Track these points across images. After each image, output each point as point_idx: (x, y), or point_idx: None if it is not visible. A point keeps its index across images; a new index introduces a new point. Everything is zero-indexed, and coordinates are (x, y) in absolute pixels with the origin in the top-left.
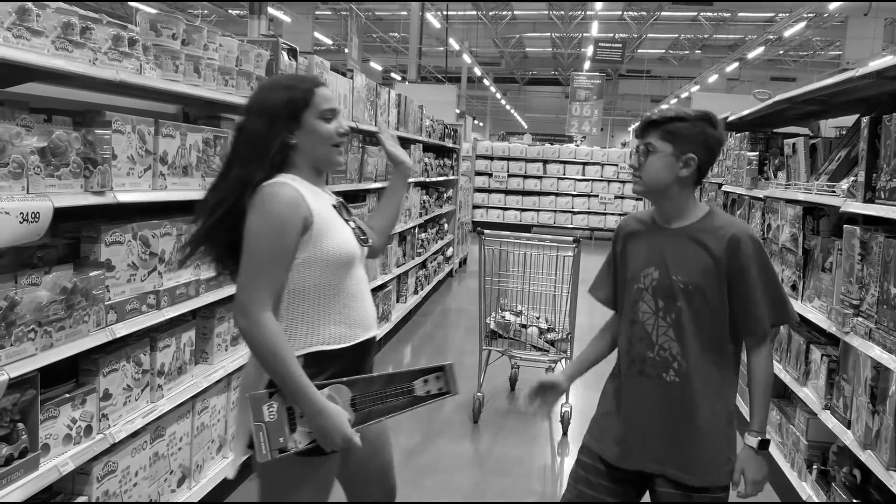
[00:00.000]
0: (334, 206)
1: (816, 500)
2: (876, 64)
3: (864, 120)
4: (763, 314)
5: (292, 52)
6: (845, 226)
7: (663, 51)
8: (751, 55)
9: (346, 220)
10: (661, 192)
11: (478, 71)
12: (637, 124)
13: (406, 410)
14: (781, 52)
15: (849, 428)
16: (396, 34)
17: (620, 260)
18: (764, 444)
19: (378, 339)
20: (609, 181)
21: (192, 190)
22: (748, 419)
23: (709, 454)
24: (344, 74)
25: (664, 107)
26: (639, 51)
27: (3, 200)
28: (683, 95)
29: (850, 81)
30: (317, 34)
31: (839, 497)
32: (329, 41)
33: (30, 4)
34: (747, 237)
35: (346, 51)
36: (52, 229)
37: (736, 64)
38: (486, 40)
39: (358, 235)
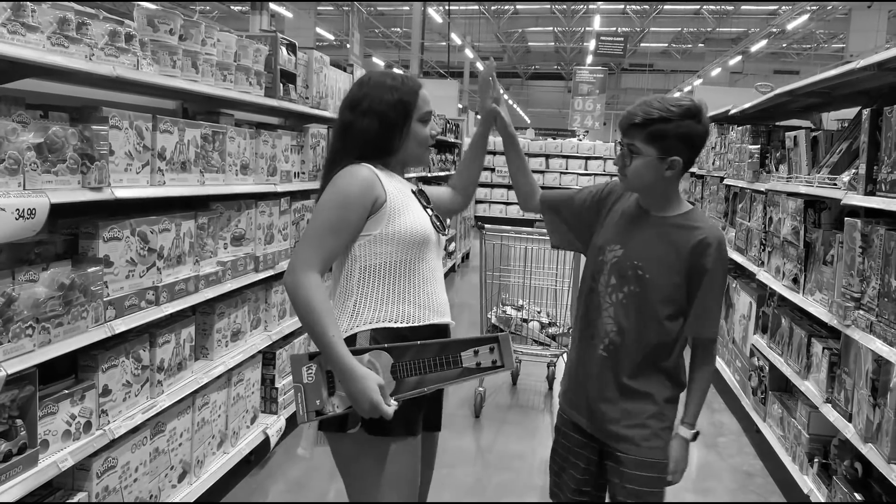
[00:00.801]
0: (413, 192)
1: (818, 493)
2: (877, 56)
3: (865, 112)
4: (697, 322)
5: (291, 48)
6: (846, 218)
7: (666, 44)
8: (754, 48)
9: (425, 207)
10: (646, 190)
11: (480, 66)
12: (621, 118)
13: (454, 382)
14: (785, 45)
15: (850, 421)
16: (399, 29)
17: (593, 214)
18: (695, 436)
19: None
20: (612, 176)
21: (190, 185)
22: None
23: (636, 432)
24: (344, 69)
25: (647, 99)
26: (641, 45)
27: None
28: (686, 89)
29: (851, 73)
30: (319, 30)
31: (840, 490)
32: (331, 36)
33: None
34: (717, 245)
35: (348, 46)
36: (50, 225)
37: (739, 57)
38: (488, 35)
39: (435, 223)
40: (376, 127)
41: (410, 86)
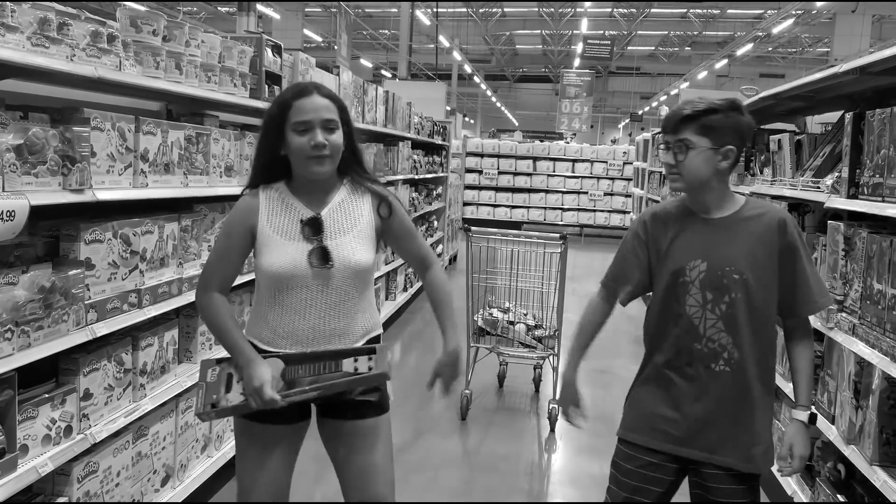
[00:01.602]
0: (303, 222)
1: (801, 495)
2: (860, 60)
3: (848, 116)
4: (813, 296)
5: (276, 49)
6: (829, 221)
7: (653, 48)
8: (739, 52)
9: (309, 238)
10: (703, 186)
11: (468, 68)
12: (665, 120)
13: (337, 386)
14: (770, 48)
15: (833, 423)
16: (386, 31)
17: (655, 254)
18: (813, 418)
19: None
20: (598, 178)
21: (173, 188)
22: (793, 398)
23: (760, 441)
24: (330, 71)
25: (686, 100)
26: (628, 48)
27: None
28: (673, 92)
29: (834, 77)
30: (306, 31)
31: (823, 492)
32: (319, 38)
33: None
34: (791, 220)
35: (336, 48)
36: (30, 228)
37: (725, 61)
38: (476, 37)
39: (312, 260)
40: (259, 140)
41: (285, 97)
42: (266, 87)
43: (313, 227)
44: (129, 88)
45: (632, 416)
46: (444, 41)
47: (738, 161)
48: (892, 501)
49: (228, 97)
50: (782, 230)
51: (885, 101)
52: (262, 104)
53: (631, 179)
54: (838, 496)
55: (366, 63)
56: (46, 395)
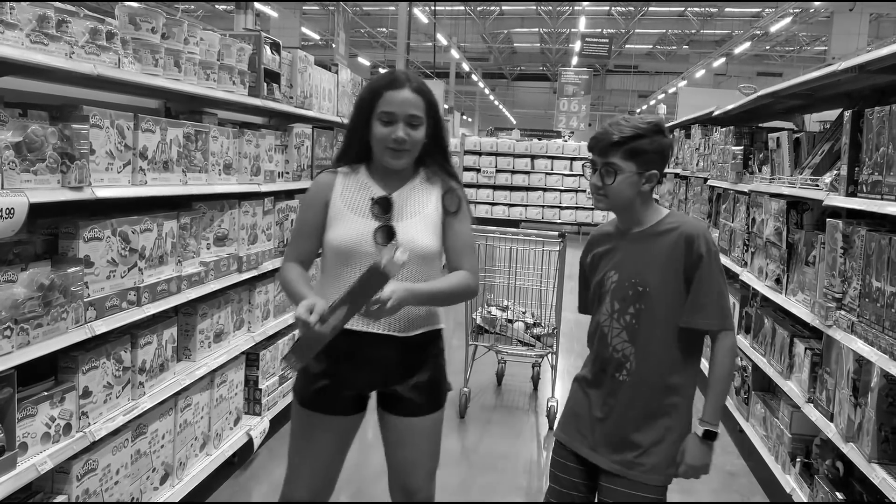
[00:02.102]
0: (373, 200)
1: (800, 493)
2: (859, 58)
3: (847, 114)
4: (713, 309)
5: (275, 47)
6: (828, 219)
7: (651, 46)
8: (737, 50)
9: (377, 216)
10: (626, 207)
11: (466, 66)
12: (592, 141)
13: (354, 298)
14: (768, 47)
15: (832, 421)
16: (384, 29)
17: (590, 269)
18: (708, 434)
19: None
20: None
21: (172, 185)
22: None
23: (653, 453)
24: (329, 69)
25: (613, 121)
26: (626, 46)
27: None
28: (671, 91)
29: (834, 75)
30: (304, 29)
31: (822, 490)
32: (317, 36)
33: None
34: (702, 234)
35: (333, 46)
36: (29, 225)
37: (723, 59)
38: (474, 35)
39: (381, 234)
40: (350, 123)
41: (379, 84)
42: (265, 84)
43: (383, 206)
44: (127, 86)
45: (563, 414)
46: (441, 39)
47: (660, 182)
48: (890, 498)
49: (227, 95)
50: (688, 245)
51: (883, 99)
52: (260, 102)
53: None
54: (837, 494)
55: (363, 61)
56: (46, 393)
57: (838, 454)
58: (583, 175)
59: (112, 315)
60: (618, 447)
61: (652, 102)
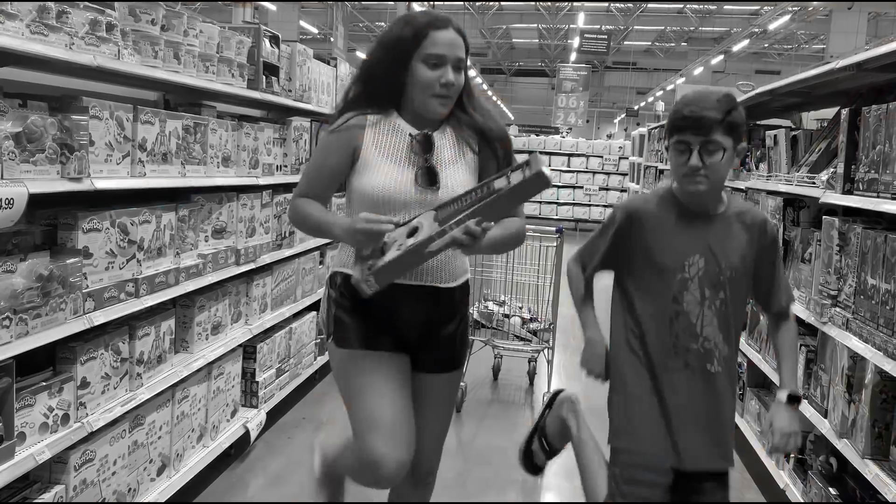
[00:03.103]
0: (412, 136)
1: (793, 488)
2: (856, 56)
3: (844, 112)
4: (788, 288)
5: (274, 40)
6: (824, 217)
7: (649, 43)
8: (736, 48)
9: (418, 156)
10: (721, 186)
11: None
12: (688, 120)
13: (498, 204)
14: (766, 45)
15: (825, 417)
16: (383, 23)
17: (636, 242)
18: (792, 398)
19: (445, 287)
20: (594, 173)
21: (171, 177)
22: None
23: (730, 438)
24: (327, 63)
25: (695, 96)
26: (625, 42)
27: None
28: (669, 87)
29: (831, 73)
30: (302, 23)
31: (815, 485)
32: (315, 30)
33: None
34: (770, 220)
35: (332, 40)
36: (28, 216)
37: (721, 56)
38: (472, 30)
39: (423, 177)
40: (376, 63)
41: (420, 22)
42: (263, 77)
43: (424, 144)
44: (127, 77)
45: (630, 425)
46: None
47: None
48: (883, 494)
49: (226, 87)
50: (761, 231)
51: (880, 98)
52: (259, 95)
53: (626, 174)
54: (830, 489)
55: (362, 55)
56: (44, 384)
57: (832, 450)
58: (655, 152)
59: (110, 306)
60: (710, 445)
61: (650, 99)
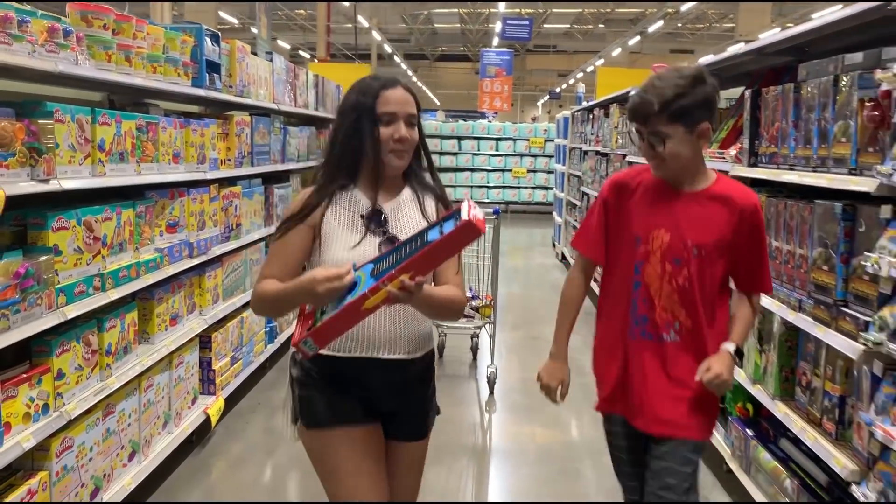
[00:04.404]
0: (363, 216)
1: (717, 434)
2: (757, 43)
3: (747, 93)
4: (768, 274)
5: (215, 38)
6: None
7: (568, 26)
8: (651, 29)
9: (374, 231)
10: (686, 167)
11: (388, 48)
12: (631, 111)
13: (427, 256)
14: (679, 24)
15: (741, 367)
16: (303, 11)
17: (615, 217)
18: (737, 351)
19: (409, 360)
20: (521, 156)
21: (128, 175)
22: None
23: (704, 408)
24: (255, 54)
25: (651, 82)
26: (545, 26)
27: None
28: (589, 69)
29: (735, 57)
30: (221, 13)
31: (735, 429)
32: (234, 20)
33: None
34: (759, 208)
35: (255, 31)
36: None
37: (637, 38)
38: (394, 16)
39: (386, 245)
40: (340, 136)
41: (372, 88)
42: (206, 75)
43: (375, 220)
44: (79, 81)
45: (603, 389)
46: (362, 21)
47: (713, 129)
48: (791, 429)
49: (173, 87)
50: (746, 216)
51: (779, 79)
52: (204, 92)
53: (552, 156)
54: (747, 430)
55: (283, 44)
56: (25, 375)
57: (748, 397)
58: (632, 142)
59: (80, 300)
60: (669, 408)
61: (571, 81)
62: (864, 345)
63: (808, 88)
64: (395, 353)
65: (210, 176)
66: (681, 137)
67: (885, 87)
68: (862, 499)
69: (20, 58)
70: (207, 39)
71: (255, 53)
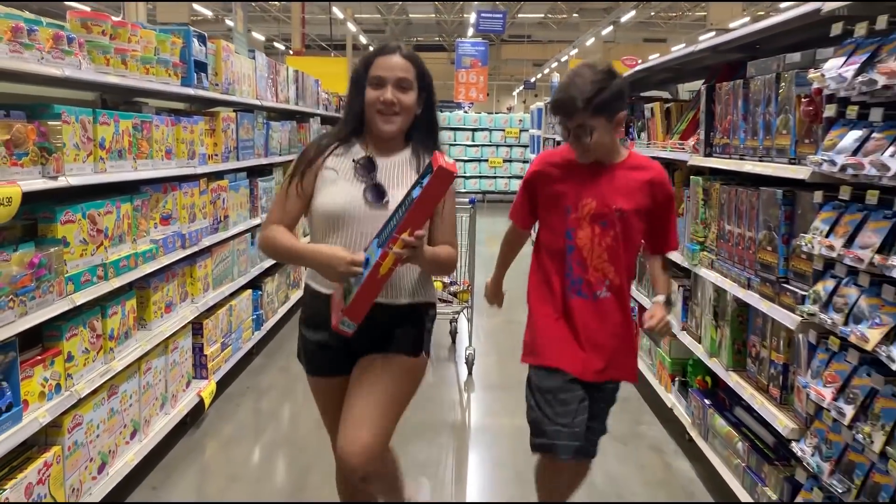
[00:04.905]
0: (355, 161)
1: (679, 406)
2: (711, 41)
3: (703, 88)
4: (676, 239)
5: (202, 39)
6: (692, 177)
7: (542, 15)
8: (624, 18)
9: (363, 177)
10: (607, 151)
11: (363, 39)
12: (556, 108)
13: (416, 210)
14: (652, 13)
15: (700, 343)
16: (277, 3)
17: (542, 192)
18: (667, 300)
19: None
20: (497, 146)
21: (126, 171)
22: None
23: (632, 353)
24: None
25: (571, 80)
26: (519, 16)
27: None
28: (563, 59)
29: (693, 54)
30: (195, 6)
31: (694, 400)
32: (209, 13)
33: None
34: (666, 177)
35: (231, 24)
36: None
37: (610, 27)
38: (369, 7)
39: (371, 193)
40: (347, 97)
41: (369, 54)
42: (195, 74)
43: (366, 166)
44: (77, 82)
45: (538, 343)
46: (337, 12)
47: (676, 121)
48: (742, 396)
49: (165, 87)
50: (658, 184)
51: (733, 74)
52: (193, 91)
53: (528, 146)
54: (705, 400)
55: (258, 36)
56: (39, 357)
57: (706, 370)
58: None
59: (86, 288)
60: (603, 355)
61: (546, 71)
62: (801, 316)
63: (755, 85)
64: (395, 299)
65: (199, 171)
66: (603, 127)
67: (815, 85)
68: (800, 454)
69: (32, 65)
70: (195, 40)
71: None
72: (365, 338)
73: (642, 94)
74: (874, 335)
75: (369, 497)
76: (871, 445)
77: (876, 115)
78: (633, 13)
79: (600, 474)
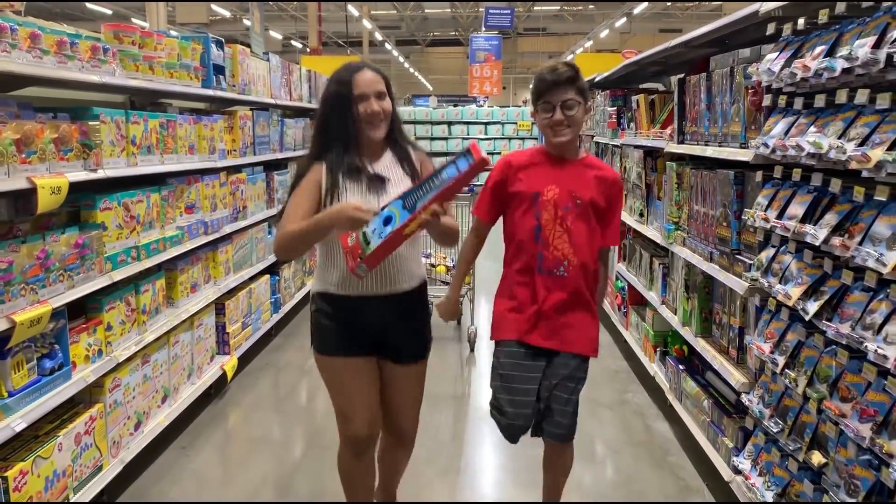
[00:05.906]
0: (367, 176)
1: (660, 374)
2: (684, 36)
3: (676, 81)
4: (619, 235)
5: (219, 44)
6: (667, 162)
7: (558, 7)
8: (637, 10)
9: (362, 182)
10: (576, 137)
11: (379, 35)
12: (547, 84)
13: (452, 186)
14: (669, 4)
15: (675, 314)
16: (294, 1)
17: (510, 185)
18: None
19: (404, 292)
20: (510, 139)
21: (154, 165)
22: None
23: (587, 328)
24: (247, 46)
25: (552, 65)
26: (535, 8)
27: (38, 178)
28: (579, 51)
29: (673, 48)
30: (213, 6)
31: (671, 367)
32: (227, 13)
33: (37, 30)
34: (619, 179)
35: (248, 23)
36: None
37: (624, 19)
38: (385, 3)
39: (371, 185)
40: (325, 118)
41: (345, 75)
42: (214, 77)
43: (379, 180)
44: (110, 87)
45: (500, 319)
46: (353, 10)
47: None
48: (707, 360)
49: (187, 89)
50: (611, 184)
51: (706, 68)
52: (212, 92)
53: (538, 139)
54: (679, 366)
55: (275, 34)
56: (83, 325)
57: (684, 340)
58: (534, 121)
59: (122, 267)
60: (561, 328)
61: (559, 63)
62: (747, 282)
63: (715, 77)
64: (392, 289)
65: (220, 164)
66: (582, 108)
67: (755, 78)
68: (748, 404)
69: (75, 73)
70: (213, 46)
71: (247, 45)
72: (392, 325)
73: (640, 87)
74: (795, 292)
75: (370, 473)
76: (797, 388)
77: (798, 103)
78: (647, 4)
79: (586, 437)
